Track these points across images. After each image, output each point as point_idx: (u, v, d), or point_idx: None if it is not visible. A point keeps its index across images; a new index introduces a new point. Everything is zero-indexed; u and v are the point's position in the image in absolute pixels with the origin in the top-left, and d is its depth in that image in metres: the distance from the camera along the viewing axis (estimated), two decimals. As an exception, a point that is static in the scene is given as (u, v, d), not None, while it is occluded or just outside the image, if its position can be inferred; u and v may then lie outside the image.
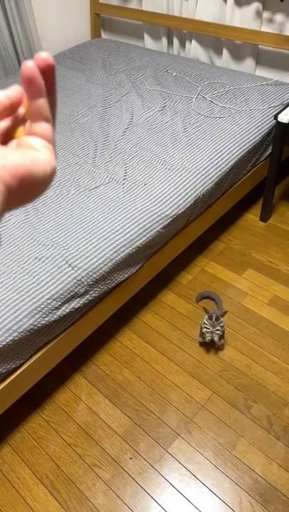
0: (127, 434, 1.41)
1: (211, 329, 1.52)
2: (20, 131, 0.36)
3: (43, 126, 0.35)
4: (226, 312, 1.53)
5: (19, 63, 2.54)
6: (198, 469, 1.32)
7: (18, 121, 0.36)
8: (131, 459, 1.36)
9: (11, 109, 0.35)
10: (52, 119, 0.36)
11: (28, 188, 0.33)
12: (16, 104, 0.35)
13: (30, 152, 0.33)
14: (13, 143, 0.35)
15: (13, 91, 0.35)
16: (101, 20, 2.88)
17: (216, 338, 1.54)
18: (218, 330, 1.52)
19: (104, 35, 2.96)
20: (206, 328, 1.53)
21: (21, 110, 0.36)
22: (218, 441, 1.38)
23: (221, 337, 1.55)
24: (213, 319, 1.51)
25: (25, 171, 0.32)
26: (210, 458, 1.34)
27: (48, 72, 0.34)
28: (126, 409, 1.47)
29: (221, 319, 1.51)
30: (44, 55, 0.33)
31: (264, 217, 2.12)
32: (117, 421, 1.44)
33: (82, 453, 1.38)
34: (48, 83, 0.34)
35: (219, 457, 1.34)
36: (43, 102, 0.34)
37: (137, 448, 1.38)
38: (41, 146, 0.34)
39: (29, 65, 0.32)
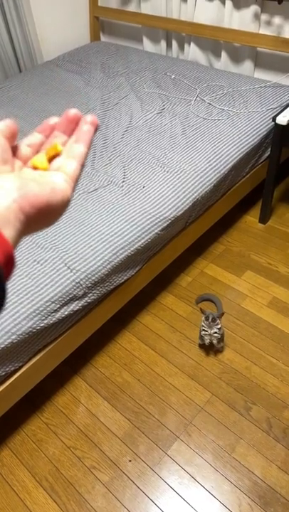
0: (127, 436, 1.41)
1: (209, 331, 1.52)
2: (42, 157, 0.39)
3: (73, 165, 0.38)
4: (222, 314, 1.53)
5: (19, 66, 2.55)
6: (197, 472, 1.32)
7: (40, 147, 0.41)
8: (130, 461, 1.36)
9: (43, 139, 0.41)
10: (83, 164, 0.40)
11: (44, 217, 0.34)
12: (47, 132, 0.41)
13: (49, 184, 0.35)
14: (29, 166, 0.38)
15: (45, 126, 0.41)
16: (100, 24, 2.89)
17: (214, 341, 1.54)
18: (216, 333, 1.51)
19: (103, 38, 2.97)
20: (204, 330, 1.53)
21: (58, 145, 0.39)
22: (217, 444, 1.37)
23: (220, 340, 1.55)
24: (210, 320, 1.51)
25: (44, 201, 0.34)
26: (209, 460, 1.34)
27: (95, 129, 0.41)
28: (125, 411, 1.47)
29: (218, 321, 1.51)
30: (93, 119, 0.40)
31: (263, 219, 2.12)
32: (116, 423, 1.44)
33: (81, 455, 1.38)
34: (90, 136, 0.40)
35: (218, 459, 1.34)
36: (84, 147, 0.39)
37: (136, 450, 1.38)
38: (63, 180, 0.37)
39: (90, 119, 0.40)
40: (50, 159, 0.39)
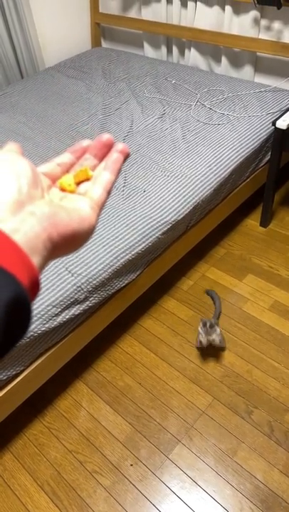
0: (128, 440, 1.41)
1: (207, 338, 1.52)
2: (69, 182, 0.39)
3: (100, 192, 0.39)
4: (220, 313, 1.52)
5: (20, 73, 2.57)
6: (199, 476, 1.32)
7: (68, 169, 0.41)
8: (132, 465, 1.36)
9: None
10: (109, 192, 0.40)
11: (70, 244, 0.35)
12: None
13: (77, 212, 0.35)
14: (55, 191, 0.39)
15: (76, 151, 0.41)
16: (101, 30, 2.91)
17: (216, 342, 1.54)
18: (214, 340, 1.52)
19: (104, 44, 2.99)
20: (201, 336, 1.53)
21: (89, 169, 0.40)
22: (219, 448, 1.37)
23: (221, 341, 1.55)
24: (207, 326, 1.51)
25: (72, 230, 0.34)
26: (211, 464, 1.34)
27: (125, 158, 0.41)
28: (127, 415, 1.47)
29: (216, 327, 1.51)
30: (123, 148, 0.41)
31: (264, 222, 2.13)
32: (117, 427, 1.44)
33: (83, 459, 1.38)
34: (119, 165, 0.41)
35: (220, 463, 1.34)
36: (112, 175, 0.40)
37: (137, 454, 1.38)
38: (90, 207, 0.37)
39: (121, 147, 0.40)
40: (79, 183, 0.39)
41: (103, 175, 0.39)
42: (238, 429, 1.41)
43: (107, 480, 1.33)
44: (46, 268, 1.32)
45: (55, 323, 1.27)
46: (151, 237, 1.47)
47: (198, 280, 1.91)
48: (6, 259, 0.29)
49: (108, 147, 0.41)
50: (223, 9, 2.19)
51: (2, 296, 0.27)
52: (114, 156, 0.41)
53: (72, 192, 0.38)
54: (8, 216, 0.31)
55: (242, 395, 1.49)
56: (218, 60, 2.42)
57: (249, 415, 1.44)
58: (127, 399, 1.51)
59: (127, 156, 0.41)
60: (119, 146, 0.41)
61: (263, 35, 2.15)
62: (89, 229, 0.36)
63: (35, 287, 0.31)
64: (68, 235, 0.34)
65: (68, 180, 0.38)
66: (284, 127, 1.70)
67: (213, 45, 2.34)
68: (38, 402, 1.52)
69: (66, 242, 0.34)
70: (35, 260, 0.31)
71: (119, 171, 0.40)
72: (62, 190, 0.38)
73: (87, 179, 0.39)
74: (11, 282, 0.28)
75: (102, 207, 0.39)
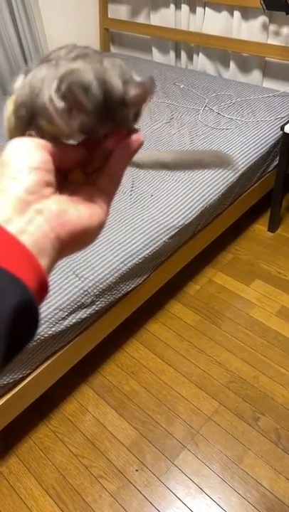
0: (134, 445, 1.41)
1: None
2: (79, 174, 0.37)
3: (110, 182, 0.37)
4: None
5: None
6: (204, 482, 1.31)
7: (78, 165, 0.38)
8: (137, 470, 1.35)
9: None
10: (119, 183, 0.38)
11: (79, 242, 0.33)
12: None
13: (87, 208, 0.34)
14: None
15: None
16: (110, 35, 2.93)
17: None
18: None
19: (113, 49, 3.01)
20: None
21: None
22: (225, 454, 1.36)
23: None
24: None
25: (81, 228, 0.32)
26: (217, 471, 1.33)
27: (138, 147, 0.38)
28: (132, 420, 1.47)
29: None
30: (138, 138, 0.38)
31: (272, 227, 2.12)
32: (123, 432, 1.44)
33: (88, 464, 1.37)
34: (131, 155, 0.38)
35: (226, 470, 1.33)
36: (123, 165, 0.37)
37: (143, 460, 1.37)
38: (100, 200, 0.35)
39: (135, 138, 0.37)
40: (90, 173, 0.37)
41: (114, 165, 0.37)
42: (244, 435, 1.40)
43: (112, 485, 1.32)
44: (53, 271, 1.32)
45: (62, 326, 1.27)
46: (158, 241, 1.47)
47: (205, 285, 1.90)
48: (13, 262, 0.28)
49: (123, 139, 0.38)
50: (232, 14, 2.19)
51: (9, 300, 0.26)
52: (127, 146, 0.38)
53: (82, 183, 0.36)
54: (14, 216, 0.30)
55: (248, 401, 1.48)
56: (227, 65, 2.42)
57: (256, 422, 1.43)
58: (133, 404, 1.51)
59: (140, 146, 0.38)
60: (133, 135, 0.39)
61: (272, 41, 2.15)
62: (99, 224, 0.35)
63: (43, 290, 0.30)
64: (78, 233, 0.32)
65: (77, 171, 0.37)
66: (292, 132, 1.70)
67: (222, 50, 2.34)
68: (43, 406, 1.52)
69: (75, 240, 0.33)
70: (44, 261, 0.30)
71: (129, 161, 0.38)
72: (72, 182, 0.37)
73: (99, 168, 0.37)
74: (18, 286, 0.27)
75: (112, 198, 0.38)
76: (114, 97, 0.32)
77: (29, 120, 0.35)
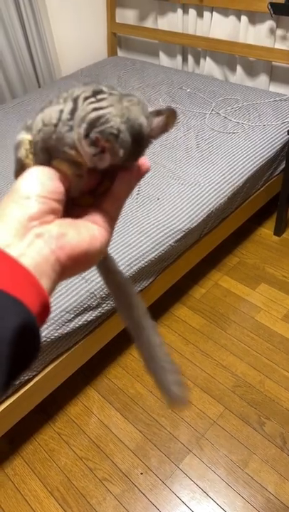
0: (138, 448, 1.41)
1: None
2: (87, 198, 0.37)
3: (115, 205, 0.37)
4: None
5: (38, 81, 2.61)
6: (209, 487, 1.31)
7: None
8: (142, 474, 1.35)
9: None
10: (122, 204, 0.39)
11: (80, 265, 0.33)
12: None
13: (89, 230, 0.34)
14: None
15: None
16: (117, 39, 2.95)
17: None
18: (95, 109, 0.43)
19: (120, 53, 3.02)
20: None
21: None
22: (230, 459, 1.36)
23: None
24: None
25: (81, 251, 0.33)
26: (222, 475, 1.33)
27: (144, 172, 0.39)
28: (137, 423, 1.47)
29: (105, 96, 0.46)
30: (144, 162, 0.38)
31: (278, 231, 2.11)
32: (128, 435, 1.44)
33: (93, 467, 1.38)
34: (137, 180, 0.39)
35: (231, 475, 1.32)
36: (128, 188, 0.38)
37: (148, 463, 1.37)
38: (103, 222, 0.35)
39: (142, 162, 0.38)
40: (97, 195, 0.38)
41: (120, 189, 0.37)
42: (249, 440, 1.40)
43: (117, 488, 1.32)
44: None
45: (68, 329, 1.28)
46: (164, 244, 1.47)
47: (211, 288, 1.90)
48: (14, 284, 0.28)
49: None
50: (239, 19, 2.20)
51: (10, 323, 0.26)
52: (134, 170, 0.38)
53: (89, 206, 0.37)
54: (14, 240, 0.30)
55: (254, 406, 1.48)
56: (233, 69, 2.42)
57: (261, 426, 1.42)
58: (138, 407, 1.51)
59: (147, 171, 0.39)
60: (141, 160, 0.39)
61: (279, 45, 2.15)
62: (101, 247, 0.35)
63: (45, 311, 0.30)
64: (78, 256, 0.32)
65: (87, 196, 0.37)
66: (299, 136, 1.70)
67: (229, 54, 2.35)
68: (49, 408, 1.52)
69: (76, 263, 0.33)
70: (45, 283, 0.30)
71: (135, 185, 0.39)
72: (80, 204, 0.37)
73: (105, 191, 0.38)
74: (20, 309, 0.27)
75: (116, 220, 0.38)
76: (142, 136, 0.34)
77: (46, 158, 0.36)
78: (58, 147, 0.34)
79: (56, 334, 1.25)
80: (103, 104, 0.33)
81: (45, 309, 0.30)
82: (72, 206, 0.36)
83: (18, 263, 0.29)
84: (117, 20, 2.80)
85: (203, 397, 1.52)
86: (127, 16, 2.77)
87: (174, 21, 2.49)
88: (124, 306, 0.48)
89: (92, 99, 0.33)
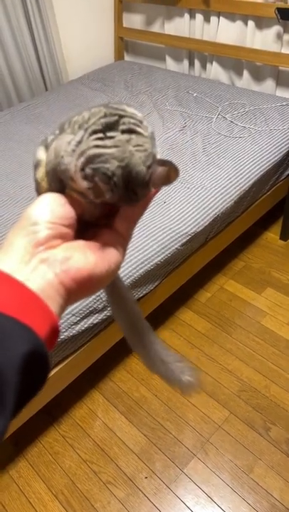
0: (143, 452, 1.40)
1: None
2: (101, 220, 0.37)
3: (125, 224, 0.37)
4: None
5: (45, 85, 2.63)
6: (214, 492, 1.30)
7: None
8: (146, 478, 1.34)
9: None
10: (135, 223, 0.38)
11: (87, 288, 0.33)
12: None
13: (95, 254, 0.33)
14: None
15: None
16: (124, 43, 2.97)
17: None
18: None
19: (127, 57, 3.04)
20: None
21: None
22: (235, 464, 1.35)
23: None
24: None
25: (87, 274, 0.32)
26: (227, 480, 1.32)
27: (155, 193, 0.38)
28: (142, 427, 1.46)
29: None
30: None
31: (284, 235, 2.11)
32: (133, 439, 1.44)
33: (97, 470, 1.37)
34: (149, 199, 0.38)
35: (236, 480, 1.32)
36: (141, 208, 0.37)
37: (152, 467, 1.37)
38: (114, 242, 0.35)
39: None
40: (109, 214, 0.37)
41: (133, 210, 0.37)
42: (254, 445, 1.39)
43: (121, 492, 1.32)
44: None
45: (74, 331, 1.28)
46: (170, 248, 1.47)
47: (217, 292, 1.90)
48: (22, 309, 0.28)
49: None
50: (246, 24, 2.21)
51: (19, 350, 0.26)
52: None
53: (102, 226, 0.36)
54: (19, 267, 0.30)
55: (259, 411, 1.47)
56: (240, 74, 2.43)
57: (266, 432, 1.42)
58: (143, 410, 1.51)
59: (157, 191, 0.38)
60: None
61: (286, 50, 2.16)
62: (108, 269, 0.34)
63: (54, 335, 0.30)
64: (82, 279, 0.32)
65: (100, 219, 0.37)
66: (306, 141, 1.69)
67: (235, 59, 2.36)
68: (54, 410, 1.52)
69: (82, 286, 0.32)
70: (52, 307, 0.30)
71: (148, 205, 0.38)
72: (92, 225, 0.37)
73: (117, 210, 0.37)
74: (28, 336, 0.27)
75: (128, 240, 0.37)
76: (136, 184, 0.33)
77: (59, 186, 0.36)
78: (64, 177, 0.35)
79: (62, 337, 1.25)
80: (108, 143, 0.33)
81: (54, 333, 0.30)
82: (87, 227, 0.36)
83: (26, 287, 0.29)
84: (124, 25, 2.82)
85: (209, 402, 1.51)
86: (134, 20, 2.78)
87: (180, 26, 2.50)
88: (119, 308, 0.49)
89: (100, 135, 0.33)
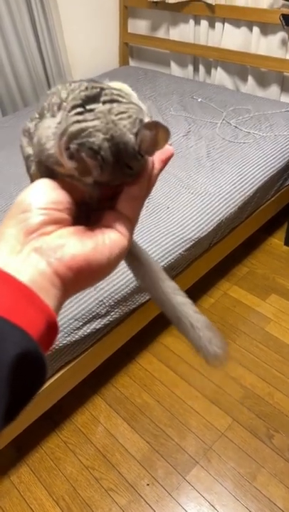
0: (145, 459, 1.39)
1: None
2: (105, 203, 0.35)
3: (130, 204, 0.33)
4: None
5: (49, 89, 2.64)
6: (217, 500, 1.29)
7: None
8: (148, 485, 1.33)
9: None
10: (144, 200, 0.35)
11: (86, 276, 0.30)
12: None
13: (94, 238, 0.31)
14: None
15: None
16: (129, 49, 2.98)
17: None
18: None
19: (132, 62, 3.05)
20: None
21: None
22: (237, 471, 1.34)
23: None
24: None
25: (84, 261, 0.29)
26: (229, 488, 1.31)
27: (166, 162, 0.35)
28: (144, 433, 1.45)
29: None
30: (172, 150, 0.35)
31: (288, 241, 2.10)
32: (135, 445, 1.43)
33: (99, 476, 1.36)
34: (157, 172, 0.35)
35: (239, 488, 1.30)
36: (144, 185, 0.34)
37: (154, 474, 1.35)
38: (118, 225, 0.32)
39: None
40: (112, 196, 0.34)
41: (133, 186, 0.33)
42: (257, 453, 1.37)
43: (122, 499, 1.31)
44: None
45: (77, 336, 1.27)
46: (173, 253, 1.47)
47: (220, 298, 1.89)
48: (12, 307, 0.25)
49: None
50: (251, 30, 2.21)
51: (9, 353, 0.24)
52: (151, 161, 0.34)
53: (106, 209, 0.34)
54: (9, 258, 0.28)
55: (263, 418, 1.46)
56: (245, 80, 2.43)
57: (270, 439, 1.40)
58: (145, 416, 1.50)
59: (167, 161, 0.36)
60: (163, 153, 0.35)
61: (291, 56, 2.16)
62: (111, 254, 0.31)
63: (52, 331, 0.28)
64: (80, 267, 0.29)
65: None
66: (311, 147, 1.69)
67: (240, 64, 2.36)
68: (55, 416, 1.52)
69: (80, 275, 0.29)
70: (46, 300, 0.27)
71: (154, 181, 0.35)
72: (97, 209, 0.34)
73: (120, 190, 0.34)
74: (19, 336, 0.25)
75: (134, 223, 0.34)
76: (127, 156, 0.30)
77: (48, 172, 0.34)
78: (50, 164, 0.33)
79: (65, 342, 1.25)
80: (88, 116, 0.30)
81: (51, 329, 0.28)
82: (90, 212, 0.34)
83: (16, 280, 0.27)
84: (129, 31, 2.83)
85: (211, 409, 1.50)
86: (140, 26, 2.79)
87: (185, 32, 2.50)
88: (142, 273, 0.46)
89: (80, 110, 0.31)
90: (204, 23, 2.38)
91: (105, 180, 0.31)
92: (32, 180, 0.37)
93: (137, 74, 2.71)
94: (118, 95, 0.32)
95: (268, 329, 1.74)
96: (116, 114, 0.30)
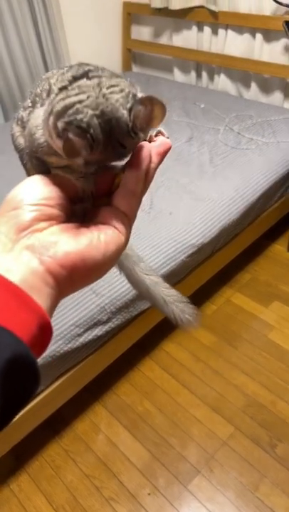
0: (146, 468, 1.37)
1: None
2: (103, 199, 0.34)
3: (127, 199, 0.32)
4: None
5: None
6: (219, 510, 1.27)
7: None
8: (149, 494, 1.32)
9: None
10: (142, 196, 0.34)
11: (81, 274, 0.29)
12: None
13: (88, 234, 0.30)
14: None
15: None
16: (132, 55, 2.99)
17: None
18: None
19: (134, 68, 3.06)
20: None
21: None
22: (240, 481, 1.32)
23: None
24: None
25: (78, 258, 0.28)
26: (231, 498, 1.29)
27: (163, 155, 0.34)
28: (145, 441, 1.44)
29: None
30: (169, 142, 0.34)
31: (291, 248, 2.09)
32: (136, 454, 1.41)
33: (99, 485, 1.35)
34: (155, 167, 0.34)
35: (241, 498, 1.28)
36: (141, 179, 0.32)
37: (155, 483, 1.34)
38: (115, 221, 0.31)
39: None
40: (109, 191, 0.33)
41: (130, 180, 0.32)
42: (260, 462, 1.36)
43: (123, 508, 1.29)
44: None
45: (78, 343, 1.26)
46: (176, 259, 1.46)
47: (223, 305, 1.88)
48: (0, 310, 0.25)
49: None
50: (254, 37, 2.21)
51: None
52: (143, 159, 0.32)
53: (104, 205, 0.33)
54: (1, 257, 0.27)
55: (265, 427, 1.44)
56: (248, 86, 2.43)
57: (272, 449, 1.39)
58: (147, 425, 1.48)
59: (167, 151, 0.34)
60: (160, 146, 0.33)
61: (294, 62, 2.16)
62: (106, 251, 0.30)
63: (45, 333, 0.27)
64: (74, 265, 0.28)
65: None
66: (314, 153, 1.68)
67: (243, 71, 2.36)
68: (56, 424, 1.50)
69: (74, 273, 0.29)
70: (37, 299, 0.26)
71: (152, 175, 0.33)
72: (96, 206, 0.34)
73: (117, 186, 0.33)
74: (8, 340, 0.24)
75: (132, 219, 0.33)
76: (120, 133, 0.28)
77: (41, 166, 0.33)
78: (41, 156, 0.32)
79: (65, 349, 1.23)
80: (72, 92, 0.28)
81: (44, 329, 0.27)
82: (89, 210, 0.33)
83: (6, 280, 0.26)
84: (133, 37, 2.84)
85: (213, 417, 1.48)
86: (143, 32, 2.80)
87: (189, 38, 2.51)
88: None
89: (68, 87, 0.29)
90: (207, 29, 2.39)
91: (96, 160, 0.29)
92: (28, 173, 0.36)
93: (139, 80, 2.72)
94: (108, 73, 0.30)
95: (270, 336, 1.73)
96: (107, 88, 0.28)
